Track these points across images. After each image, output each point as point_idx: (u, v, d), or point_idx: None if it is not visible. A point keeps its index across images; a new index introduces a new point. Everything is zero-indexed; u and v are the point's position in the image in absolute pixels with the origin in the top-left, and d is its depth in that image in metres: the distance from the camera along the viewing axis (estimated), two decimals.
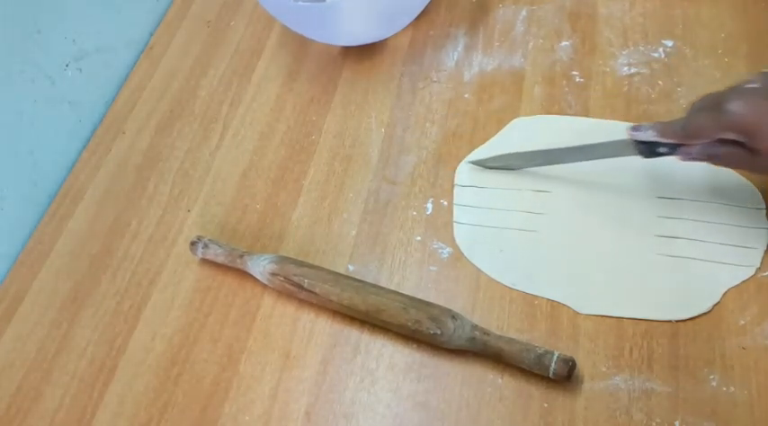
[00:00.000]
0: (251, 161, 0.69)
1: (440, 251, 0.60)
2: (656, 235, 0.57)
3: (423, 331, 0.53)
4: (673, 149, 0.53)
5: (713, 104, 0.48)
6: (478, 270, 0.58)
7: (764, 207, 0.57)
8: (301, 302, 0.59)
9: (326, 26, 0.69)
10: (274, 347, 0.57)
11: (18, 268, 0.66)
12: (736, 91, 0.47)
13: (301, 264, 0.58)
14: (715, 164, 0.52)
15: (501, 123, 0.66)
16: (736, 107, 0.46)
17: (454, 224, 0.61)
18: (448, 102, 0.69)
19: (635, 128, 0.54)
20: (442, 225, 0.61)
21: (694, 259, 0.56)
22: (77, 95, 0.74)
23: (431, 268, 0.59)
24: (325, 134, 0.69)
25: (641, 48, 0.69)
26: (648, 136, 0.53)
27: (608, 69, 0.68)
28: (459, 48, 0.73)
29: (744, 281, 0.54)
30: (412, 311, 0.54)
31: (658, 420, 0.49)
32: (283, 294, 0.59)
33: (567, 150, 0.59)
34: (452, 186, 0.63)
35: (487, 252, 0.59)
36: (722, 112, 0.47)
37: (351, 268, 0.60)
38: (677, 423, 0.49)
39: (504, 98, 0.68)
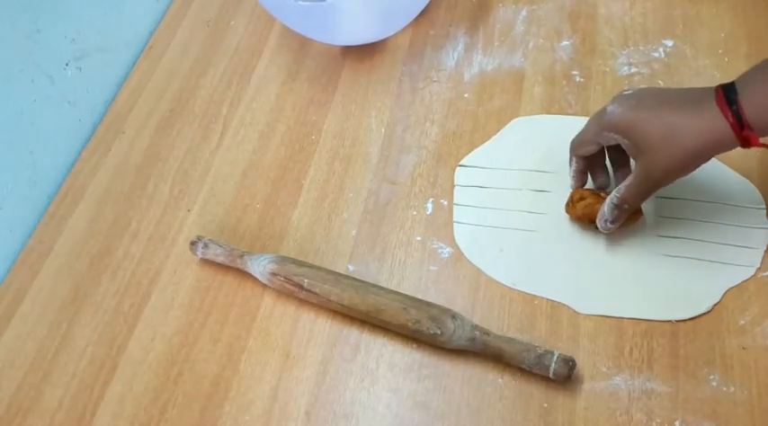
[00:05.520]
0: (251, 161, 0.69)
1: (440, 251, 0.60)
2: (656, 235, 0.57)
3: (423, 331, 0.53)
4: None
5: (600, 111, 0.53)
6: (478, 270, 0.58)
7: (764, 207, 0.57)
8: (301, 302, 0.59)
9: (326, 26, 0.69)
10: (274, 347, 0.57)
11: (18, 268, 0.66)
12: (614, 97, 0.53)
13: (301, 264, 0.58)
14: (621, 204, 0.53)
15: (501, 123, 0.66)
16: (612, 108, 0.52)
17: (454, 224, 0.61)
18: (448, 102, 0.69)
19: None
20: (442, 225, 0.61)
21: (694, 259, 0.56)
22: (77, 95, 0.74)
23: (431, 268, 0.59)
24: (325, 134, 0.69)
25: (641, 48, 0.69)
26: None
27: (608, 69, 0.68)
28: (459, 48, 0.73)
29: (744, 281, 0.54)
30: (412, 311, 0.54)
31: (658, 420, 0.49)
32: (283, 294, 0.59)
33: None
34: (452, 186, 0.63)
35: (487, 252, 0.59)
36: (602, 114, 0.53)
37: (351, 268, 0.60)
38: (677, 423, 0.49)
39: (504, 98, 0.68)
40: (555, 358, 0.50)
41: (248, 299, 0.60)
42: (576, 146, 0.57)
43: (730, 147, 0.48)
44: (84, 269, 0.64)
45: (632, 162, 0.55)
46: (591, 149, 0.55)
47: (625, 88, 0.53)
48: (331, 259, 0.61)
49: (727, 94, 0.47)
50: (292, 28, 0.74)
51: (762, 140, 0.47)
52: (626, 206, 0.53)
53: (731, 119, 0.46)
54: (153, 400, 0.56)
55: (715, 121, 0.47)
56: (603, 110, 0.53)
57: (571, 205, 0.57)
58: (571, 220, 0.59)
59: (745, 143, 0.47)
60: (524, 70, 0.70)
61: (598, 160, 0.57)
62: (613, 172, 0.58)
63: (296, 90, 0.73)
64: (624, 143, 0.51)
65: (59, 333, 0.61)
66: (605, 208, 0.54)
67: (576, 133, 0.57)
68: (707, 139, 0.48)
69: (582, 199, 0.57)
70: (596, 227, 0.56)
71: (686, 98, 0.50)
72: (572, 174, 0.58)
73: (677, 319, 0.53)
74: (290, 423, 0.53)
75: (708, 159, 0.49)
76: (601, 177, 0.58)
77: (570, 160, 0.58)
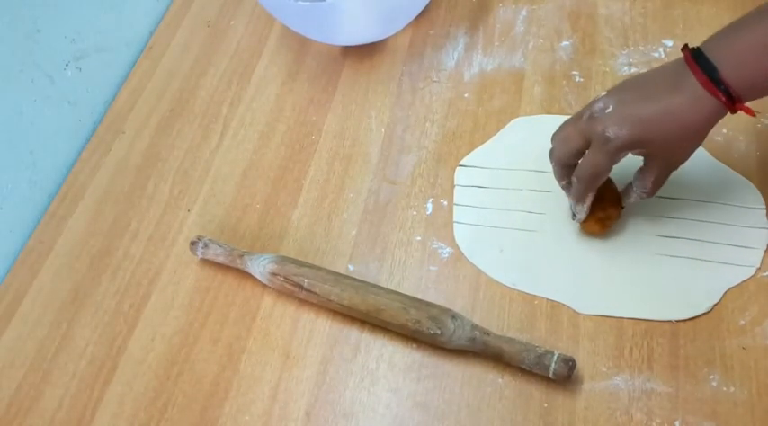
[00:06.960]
0: (251, 161, 0.69)
1: (440, 251, 0.60)
2: (656, 235, 0.57)
3: (423, 331, 0.53)
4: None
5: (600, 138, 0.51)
6: (478, 270, 0.58)
7: (764, 207, 0.57)
8: (301, 302, 0.59)
9: (326, 26, 0.69)
10: (274, 347, 0.57)
11: (18, 268, 0.66)
12: (596, 119, 0.51)
13: (301, 264, 0.58)
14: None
15: (501, 123, 0.66)
16: (614, 131, 0.50)
17: (454, 224, 0.61)
18: (448, 102, 0.69)
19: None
20: (442, 225, 0.61)
21: (694, 259, 0.56)
22: (77, 95, 0.74)
23: (431, 268, 0.59)
24: (325, 134, 0.69)
25: (641, 48, 0.69)
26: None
27: (608, 69, 0.68)
28: (459, 48, 0.73)
29: (744, 281, 0.54)
30: (412, 311, 0.54)
31: (658, 420, 0.50)
32: (283, 294, 0.59)
33: None
34: (452, 186, 0.63)
35: (487, 252, 0.59)
36: (607, 142, 0.50)
37: (351, 268, 0.60)
38: (677, 423, 0.49)
39: (504, 98, 0.68)
40: (555, 358, 0.50)
41: (248, 299, 0.60)
42: (591, 181, 0.53)
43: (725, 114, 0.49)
44: (85, 269, 0.64)
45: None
46: (607, 175, 0.53)
47: (594, 101, 0.52)
48: (331, 259, 0.61)
49: (707, 71, 0.48)
50: (292, 28, 0.74)
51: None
52: (650, 195, 0.54)
53: (723, 99, 0.47)
54: (153, 400, 0.56)
55: (709, 101, 0.48)
56: (605, 137, 0.50)
57: (596, 223, 0.56)
58: (580, 229, 0.58)
59: (735, 111, 0.49)
60: (524, 70, 0.70)
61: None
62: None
63: (296, 90, 0.73)
64: (642, 152, 0.52)
65: (59, 333, 0.61)
66: (631, 201, 0.55)
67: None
68: (707, 114, 0.49)
69: (607, 217, 0.56)
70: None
71: (666, 83, 0.50)
72: (586, 210, 0.55)
73: (677, 319, 0.53)
74: (290, 423, 0.53)
75: (713, 126, 0.50)
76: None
77: (584, 198, 0.54)
